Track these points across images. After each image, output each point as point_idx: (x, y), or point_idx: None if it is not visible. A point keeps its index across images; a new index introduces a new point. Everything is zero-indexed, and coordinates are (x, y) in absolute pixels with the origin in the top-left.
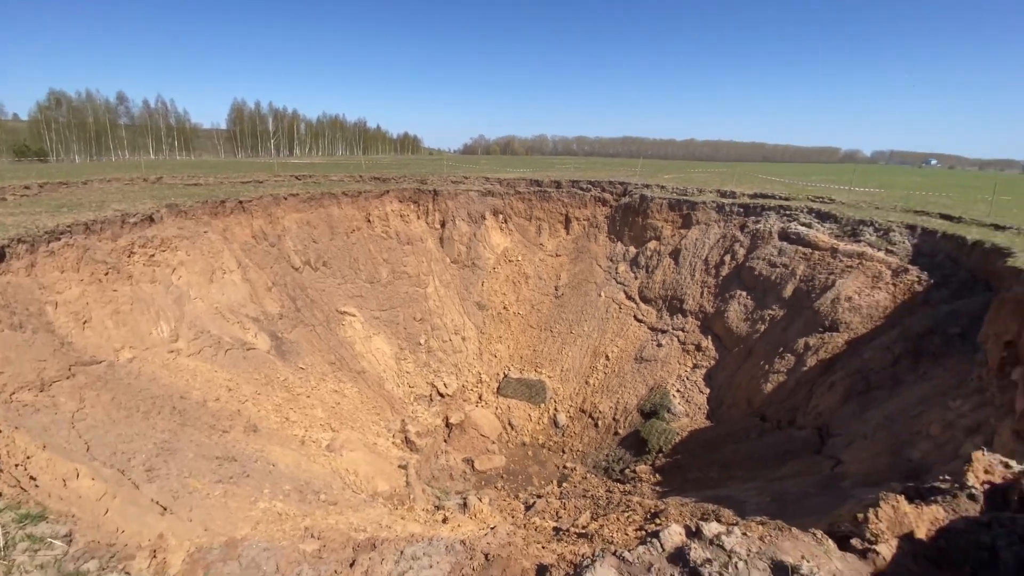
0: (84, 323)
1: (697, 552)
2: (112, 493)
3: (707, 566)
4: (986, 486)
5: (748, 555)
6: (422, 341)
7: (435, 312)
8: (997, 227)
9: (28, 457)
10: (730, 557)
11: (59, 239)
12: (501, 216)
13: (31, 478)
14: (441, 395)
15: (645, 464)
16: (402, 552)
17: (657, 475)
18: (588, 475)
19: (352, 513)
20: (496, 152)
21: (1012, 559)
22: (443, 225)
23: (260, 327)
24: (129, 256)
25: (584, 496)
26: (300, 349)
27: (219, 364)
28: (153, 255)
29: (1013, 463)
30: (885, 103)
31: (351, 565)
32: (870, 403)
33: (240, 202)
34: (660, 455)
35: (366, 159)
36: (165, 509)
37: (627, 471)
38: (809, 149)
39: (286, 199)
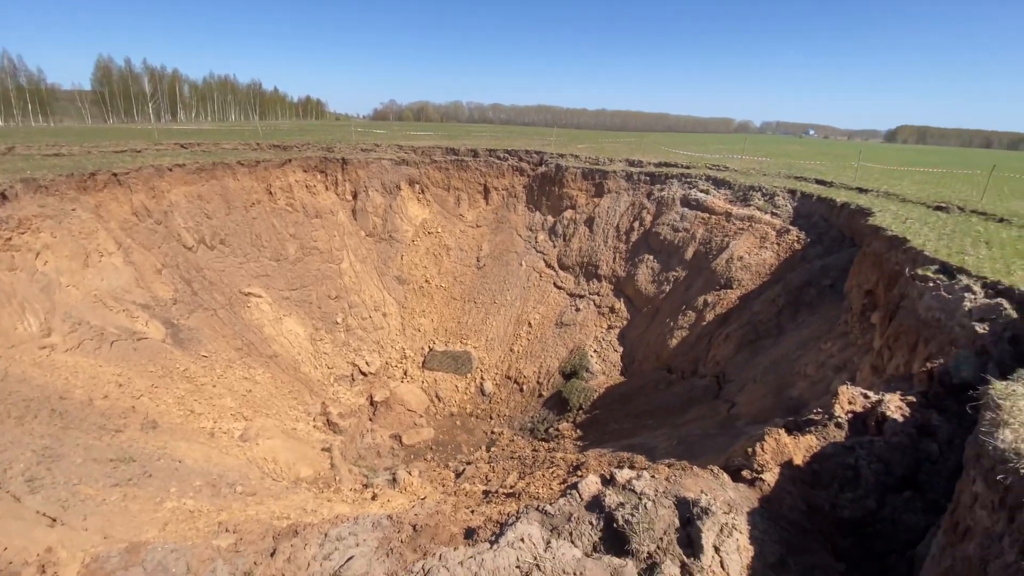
0: None
1: (611, 498)
2: None
3: (620, 509)
4: (850, 415)
5: (655, 495)
6: (339, 320)
7: (352, 289)
8: (861, 190)
9: None
10: (640, 499)
11: None
12: (418, 186)
13: None
14: (364, 374)
15: (567, 422)
16: (326, 534)
17: (578, 431)
18: (515, 437)
19: (273, 502)
20: (409, 118)
21: (871, 475)
22: (355, 196)
23: (151, 314)
24: None
25: (512, 458)
26: (201, 336)
27: (104, 358)
28: (10, 238)
29: (871, 393)
30: (773, 78)
31: (272, 555)
32: (759, 350)
33: (115, 174)
34: (581, 412)
35: (263, 125)
36: (54, 520)
37: (551, 430)
38: (708, 120)
39: (171, 170)
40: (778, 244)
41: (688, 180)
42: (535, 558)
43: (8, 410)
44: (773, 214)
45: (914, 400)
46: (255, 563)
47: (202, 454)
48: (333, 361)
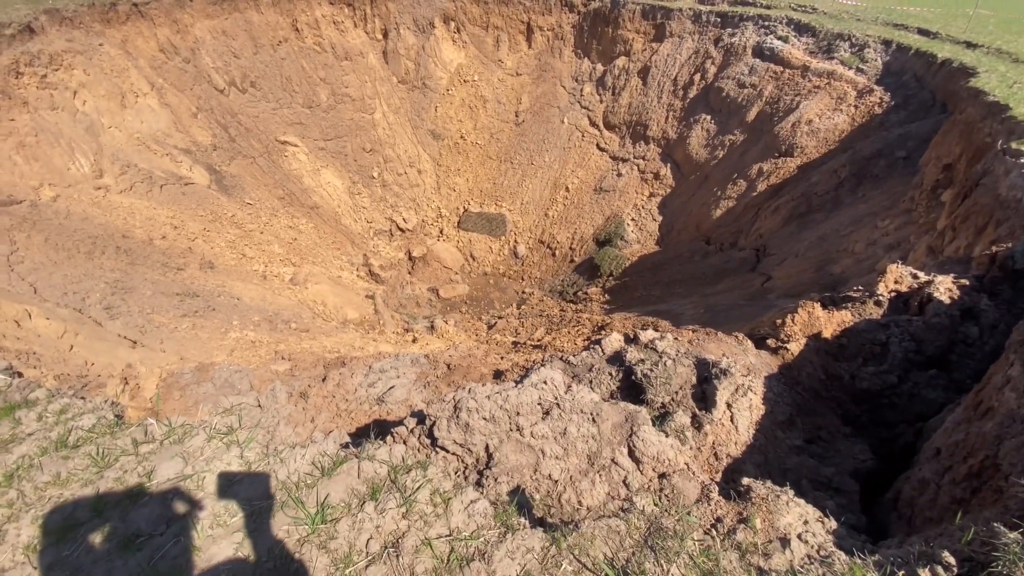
0: None
1: (632, 354)
2: (74, 331)
3: (640, 364)
4: (893, 294)
5: (676, 355)
6: (375, 175)
7: (386, 142)
8: (969, 45)
9: None
10: (660, 357)
11: None
12: (453, 24)
13: None
14: (401, 230)
15: (596, 287)
16: (371, 367)
17: (606, 295)
18: (544, 298)
19: (325, 338)
20: None
21: (900, 352)
22: (385, 35)
23: (194, 159)
24: (17, 78)
25: (540, 315)
26: (243, 183)
27: (157, 201)
28: (45, 75)
29: (921, 274)
30: None
31: (323, 380)
32: (808, 224)
33: (135, 5)
34: (611, 278)
35: None
36: (135, 343)
37: (580, 293)
38: None
39: (192, 1)
40: (855, 107)
41: (766, 24)
42: (555, 398)
43: (76, 246)
44: (858, 70)
45: (966, 283)
46: (309, 386)
47: (257, 294)
48: (371, 216)
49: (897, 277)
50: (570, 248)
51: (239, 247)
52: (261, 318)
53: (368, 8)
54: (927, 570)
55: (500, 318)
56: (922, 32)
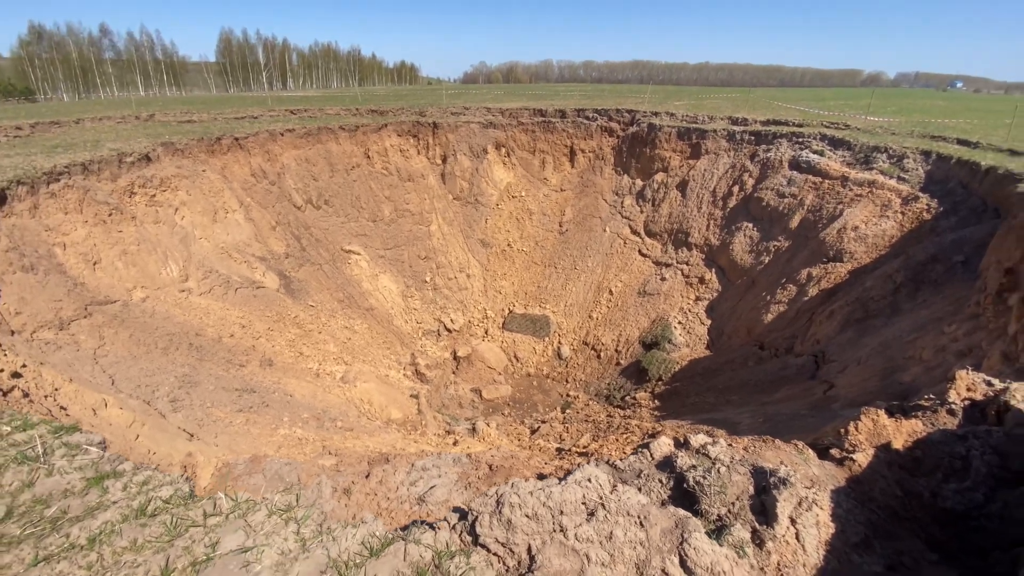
0: (94, 264)
1: (683, 459)
2: (141, 421)
3: (692, 471)
4: (967, 402)
5: (731, 462)
6: (428, 279)
7: (439, 250)
8: (1013, 152)
9: (56, 389)
10: (713, 463)
11: (58, 180)
12: (504, 149)
13: (61, 408)
14: (448, 330)
15: (645, 391)
16: (413, 465)
17: (656, 401)
18: (590, 402)
19: (368, 438)
20: (498, 80)
21: (983, 467)
22: (444, 160)
23: (267, 266)
24: (130, 197)
25: (586, 420)
26: (308, 287)
27: (230, 302)
28: (154, 195)
29: (996, 381)
30: (912, 20)
31: (366, 476)
32: (867, 330)
33: (236, 139)
34: (660, 383)
35: (362, 91)
36: (192, 435)
37: (627, 398)
38: (830, 72)
39: (283, 135)
40: (902, 213)
41: (799, 140)
42: (600, 497)
43: (156, 341)
44: (900, 179)
45: None
46: (352, 482)
47: (309, 391)
48: (421, 317)
49: (969, 384)
50: (616, 350)
51: (297, 346)
52: (310, 415)
53: (431, 138)
54: None
55: (544, 422)
56: (961, 142)
